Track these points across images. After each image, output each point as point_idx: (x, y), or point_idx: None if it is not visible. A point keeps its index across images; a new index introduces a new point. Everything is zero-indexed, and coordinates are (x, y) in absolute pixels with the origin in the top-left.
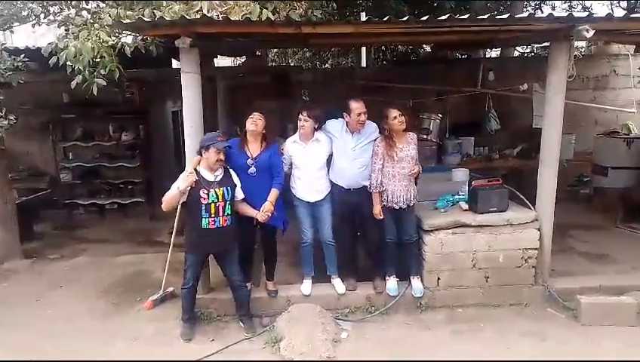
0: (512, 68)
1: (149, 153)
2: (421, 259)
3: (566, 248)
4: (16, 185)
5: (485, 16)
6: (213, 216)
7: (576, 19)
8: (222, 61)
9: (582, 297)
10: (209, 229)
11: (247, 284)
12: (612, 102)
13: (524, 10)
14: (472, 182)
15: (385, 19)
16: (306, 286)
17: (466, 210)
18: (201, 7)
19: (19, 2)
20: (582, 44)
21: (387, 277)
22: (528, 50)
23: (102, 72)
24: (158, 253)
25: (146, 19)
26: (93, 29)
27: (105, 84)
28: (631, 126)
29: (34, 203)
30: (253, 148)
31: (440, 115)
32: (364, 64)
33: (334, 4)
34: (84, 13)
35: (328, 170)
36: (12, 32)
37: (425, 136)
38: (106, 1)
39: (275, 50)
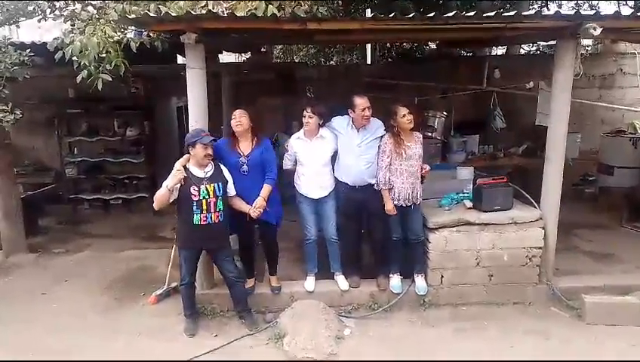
0: (518, 66)
1: (154, 148)
2: (425, 257)
3: (571, 247)
4: (22, 180)
5: (492, 14)
6: (204, 212)
7: (584, 17)
8: (227, 57)
9: (586, 296)
10: (200, 225)
11: (246, 280)
12: (618, 100)
13: (531, 8)
14: (477, 181)
15: (390, 15)
16: (310, 282)
17: (470, 208)
18: (207, 2)
19: None
20: (588, 42)
21: (391, 275)
22: (534, 48)
23: (107, 67)
24: (162, 249)
25: (151, 14)
26: (98, 24)
27: (110, 79)
28: (637, 125)
29: (39, 197)
30: (244, 146)
31: (445, 113)
32: (369, 61)
33: (340, 1)
34: (90, 8)
35: (333, 167)
36: (18, 26)
37: (430, 134)
38: None
39: (280, 46)
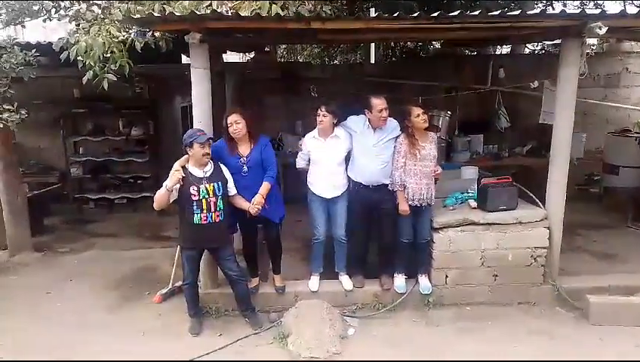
0: (523, 65)
1: (158, 148)
2: (429, 257)
3: (575, 247)
4: (27, 179)
5: (496, 13)
6: (205, 211)
7: (589, 16)
8: (231, 57)
9: (591, 297)
10: (201, 225)
11: (249, 279)
12: (624, 100)
13: (536, 7)
14: (482, 180)
15: (395, 15)
16: (314, 282)
17: (475, 208)
18: (211, 2)
19: None
20: (593, 41)
21: (396, 275)
22: (539, 48)
23: (112, 67)
24: (167, 248)
25: (156, 14)
26: (103, 24)
27: (115, 79)
28: None
29: (44, 197)
30: (243, 148)
31: (449, 112)
32: (372, 60)
33: (343, 0)
34: (95, 8)
35: (346, 166)
36: (23, 26)
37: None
38: None
39: (284, 46)
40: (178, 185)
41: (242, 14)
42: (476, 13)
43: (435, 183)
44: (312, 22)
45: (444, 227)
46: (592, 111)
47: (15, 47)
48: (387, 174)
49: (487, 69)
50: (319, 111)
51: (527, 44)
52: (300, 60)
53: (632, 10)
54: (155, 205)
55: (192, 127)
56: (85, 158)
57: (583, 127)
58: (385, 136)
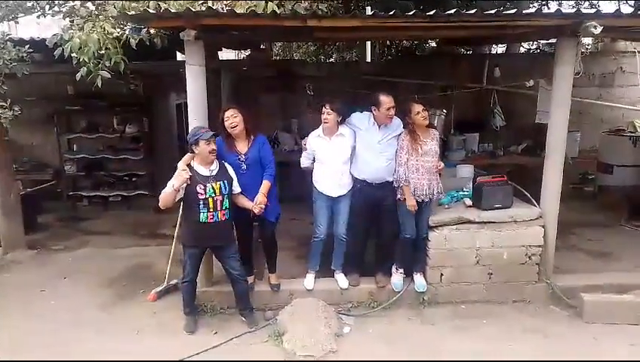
0: (518, 64)
1: (153, 146)
2: (424, 255)
3: (570, 246)
4: (21, 177)
5: (492, 12)
6: (211, 210)
7: (584, 15)
8: (226, 54)
9: (585, 295)
10: (207, 223)
11: (247, 278)
12: (618, 99)
13: (531, 6)
14: (477, 179)
15: (391, 13)
16: (309, 280)
17: (470, 207)
18: None
19: None
20: (588, 40)
21: (394, 271)
22: (534, 47)
23: (107, 63)
24: (162, 246)
25: (151, 10)
26: (98, 20)
27: (110, 76)
28: (637, 124)
29: (38, 194)
30: (241, 145)
31: (445, 111)
32: (368, 59)
33: None
34: (89, 4)
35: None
36: (17, 22)
37: None
38: None
39: (280, 43)
40: (185, 184)
41: (238, 11)
42: (472, 12)
43: (440, 177)
44: (308, 20)
45: (439, 225)
46: (586, 111)
47: (8, 43)
48: (391, 171)
49: (483, 68)
50: (323, 109)
51: (522, 43)
52: (296, 58)
53: (626, 9)
54: (160, 204)
55: (187, 124)
56: (79, 156)
57: (577, 126)
58: (389, 133)
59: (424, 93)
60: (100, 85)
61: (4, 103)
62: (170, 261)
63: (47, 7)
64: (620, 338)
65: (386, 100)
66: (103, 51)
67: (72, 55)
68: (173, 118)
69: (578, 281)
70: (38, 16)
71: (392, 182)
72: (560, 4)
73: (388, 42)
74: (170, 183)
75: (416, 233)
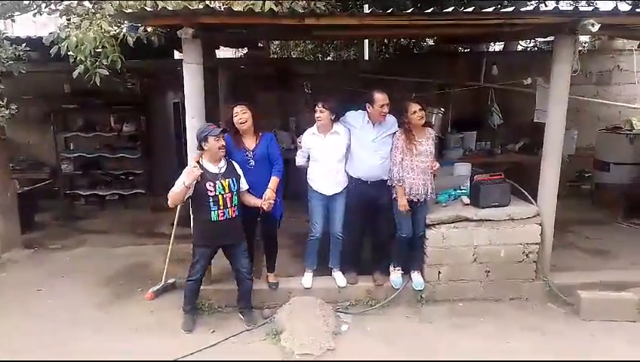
0: (516, 62)
1: (150, 144)
2: (422, 253)
3: (567, 243)
4: (17, 176)
5: (490, 10)
6: (221, 208)
7: (582, 13)
8: (224, 52)
9: (582, 292)
10: (219, 222)
11: (252, 277)
12: (615, 97)
13: (529, 4)
14: (474, 177)
15: (388, 11)
16: (307, 278)
17: (467, 205)
18: None
19: None
20: (585, 38)
21: (392, 269)
22: (532, 45)
23: (104, 62)
24: (159, 245)
25: (148, 9)
26: (94, 18)
27: (107, 74)
28: (634, 121)
29: (35, 193)
30: (249, 142)
31: (442, 109)
32: (366, 57)
33: None
34: (86, 2)
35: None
36: (13, 21)
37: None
38: None
39: (277, 42)
40: (194, 182)
41: (235, 10)
42: (470, 10)
43: (434, 178)
44: (306, 18)
45: (437, 223)
46: (583, 109)
47: (5, 41)
48: (386, 170)
49: (481, 66)
50: (317, 107)
51: (520, 41)
52: (294, 57)
53: (624, 7)
54: (169, 202)
55: (184, 123)
56: (76, 154)
57: (575, 124)
58: (384, 131)
59: (422, 92)
60: (97, 83)
61: (0, 102)
62: (167, 259)
63: (44, 5)
64: (618, 336)
65: (379, 97)
66: (99, 49)
67: (69, 53)
68: (171, 117)
69: (575, 279)
70: (35, 15)
71: (387, 180)
72: (557, 2)
73: (386, 41)
74: (179, 181)
75: (412, 232)
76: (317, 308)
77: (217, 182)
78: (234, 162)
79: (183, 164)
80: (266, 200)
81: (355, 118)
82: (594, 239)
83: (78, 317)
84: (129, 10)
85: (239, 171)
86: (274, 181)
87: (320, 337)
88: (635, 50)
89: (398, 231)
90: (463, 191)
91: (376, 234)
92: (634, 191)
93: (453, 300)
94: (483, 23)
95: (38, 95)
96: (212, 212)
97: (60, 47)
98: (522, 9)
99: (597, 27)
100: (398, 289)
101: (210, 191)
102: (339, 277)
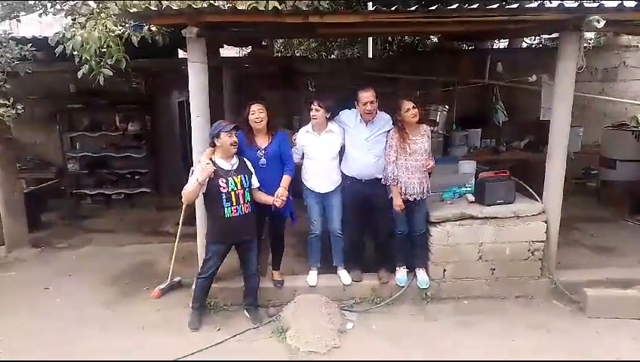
0: (521, 59)
1: (156, 143)
2: (427, 251)
3: (572, 241)
4: (24, 175)
5: (494, 6)
6: (234, 204)
7: (587, 9)
8: (228, 51)
9: (588, 290)
10: (232, 218)
11: (259, 274)
12: (621, 94)
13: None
14: (479, 174)
15: (392, 8)
16: (312, 277)
17: (472, 202)
18: None
19: None
20: (591, 35)
21: (397, 268)
22: (537, 41)
23: (108, 61)
24: (165, 243)
25: (152, 8)
26: (99, 18)
27: (111, 73)
28: None
29: (41, 192)
30: (261, 140)
31: (447, 107)
32: (370, 55)
33: None
34: (91, 2)
35: (340, 161)
36: (19, 21)
37: (431, 128)
38: None
39: (281, 40)
40: (207, 179)
41: (240, 8)
42: (474, 6)
43: (429, 176)
44: (310, 16)
45: (442, 221)
46: (589, 105)
47: (10, 41)
48: (380, 168)
49: (485, 64)
50: (312, 105)
51: (524, 38)
52: (298, 55)
53: (629, 3)
54: (184, 200)
55: (189, 122)
56: (82, 154)
57: (580, 121)
58: (377, 129)
59: (426, 89)
60: (101, 83)
61: (6, 102)
62: (173, 258)
63: (49, 5)
64: (623, 333)
65: (362, 96)
66: (104, 49)
67: (74, 53)
68: (176, 116)
69: (581, 276)
70: (40, 15)
71: (382, 179)
72: None
73: (390, 38)
74: (192, 178)
75: (409, 229)
76: (322, 306)
77: (230, 178)
78: (246, 160)
79: (187, 163)
80: (279, 197)
81: (348, 116)
82: (599, 236)
83: (85, 315)
84: (134, 10)
85: (251, 168)
86: (286, 179)
87: (325, 335)
88: None
89: (395, 228)
90: (468, 188)
91: (376, 232)
92: None
93: (459, 298)
94: (487, 19)
95: (43, 95)
96: (225, 208)
97: (65, 47)
98: (527, 6)
99: (602, 23)
100: (403, 287)
101: (223, 187)
102: (344, 275)
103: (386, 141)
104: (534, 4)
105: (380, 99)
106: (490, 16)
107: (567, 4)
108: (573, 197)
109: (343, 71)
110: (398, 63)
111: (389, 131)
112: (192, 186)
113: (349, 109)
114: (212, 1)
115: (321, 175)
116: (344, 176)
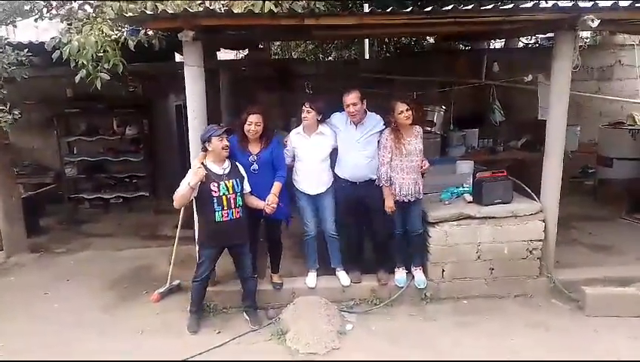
0: (517, 59)
1: (153, 147)
2: (424, 251)
3: (570, 240)
4: (22, 180)
5: (489, 7)
6: (225, 208)
7: (582, 9)
8: (225, 54)
9: (586, 288)
10: (223, 222)
11: (256, 276)
12: (617, 92)
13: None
14: (477, 174)
15: (388, 10)
16: (311, 278)
17: (470, 202)
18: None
19: None
20: (586, 34)
21: (396, 269)
22: (533, 41)
23: (105, 66)
24: (163, 247)
25: (148, 12)
26: (95, 22)
27: (108, 78)
28: (636, 116)
29: (39, 197)
30: (254, 146)
31: (444, 107)
32: (367, 56)
33: None
34: (87, 7)
35: (331, 163)
36: (15, 26)
37: (429, 129)
38: None
39: (278, 43)
40: (199, 183)
41: (235, 11)
42: (469, 7)
43: (423, 177)
44: (306, 18)
45: (440, 221)
46: (585, 104)
47: (7, 47)
48: (373, 169)
49: (481, 64)
50: (304, 107)
51: (520, 38)
52: (294, 57)
53: (623, 3)
54: (175, 204)
55: (186, 125)
56: (80, 158)
57: (577, 119)
58: (368, 131)
59: (423, 90)
60: (99, 87)
61: (3, 107)
62: (172, 262)
63: (45, 10)
64: (621, 331)
65: (346, 98)
66: (101, 53)
67: (71, 58)
68: (173, 119)
69: (579, 275)
70: (36, 20)
71: (376, 180)
72: None
73: (386, 40)
74: (184, 182)
75: (406, 230)
76: (321, 307)
77: (221, 182)
78: (238, 164)
79: (185, 166)
80: (269, 204)
81: (339, 119)
82: (597, 235)
83: (84, 319)
84: (129, 14)
85: (243, 173)
86: (277, 186)
87: (325, 336)
88: (636, 45)
89: (392, 229)
90: (466, 188)
91: (374, 233)
92: (637, 186)
93: (458, 298)
94: (483, 20)
95: (40, 100)
96: (216, 212)
97: (61, 52)
98: (521, 6)
99: (597, 23)
100: (402, 287)
101: (215, 191)
102: (343, 277)
103: (379, 141)
104: (529, 5)
105: (377, 100)
106: (485, 17)
107: (562, 4)
108: (570, 195)
109: (339, 73)
110: (394, 64)
111: (380, 132)
112: (184, 190)
113: (340, 112)
114: (207, 5)
115: (311, 176)
116: (338, 178)
